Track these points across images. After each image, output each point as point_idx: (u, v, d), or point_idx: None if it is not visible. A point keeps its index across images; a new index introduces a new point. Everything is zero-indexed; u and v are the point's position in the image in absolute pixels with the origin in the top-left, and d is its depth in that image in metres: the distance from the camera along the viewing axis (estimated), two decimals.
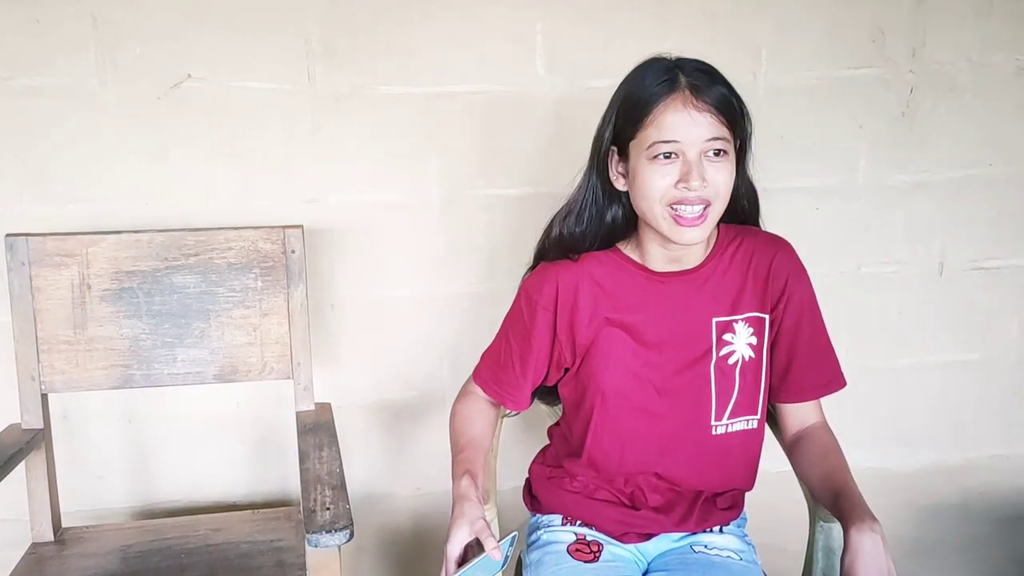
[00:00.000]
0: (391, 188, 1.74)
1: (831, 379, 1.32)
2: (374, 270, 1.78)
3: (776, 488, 1.48)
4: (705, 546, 1.34)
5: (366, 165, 1.72)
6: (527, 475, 1.47)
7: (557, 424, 1.45)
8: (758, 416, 1.31)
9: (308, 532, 1.17)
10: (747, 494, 1.41)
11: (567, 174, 1.72)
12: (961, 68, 1.80)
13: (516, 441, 1.75)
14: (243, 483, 1.84)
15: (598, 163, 1.25)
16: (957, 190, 1.88)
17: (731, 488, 1.37)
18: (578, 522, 1.36)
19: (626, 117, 1.19)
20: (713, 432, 1.29)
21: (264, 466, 1.85)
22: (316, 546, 1.16)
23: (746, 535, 1.40)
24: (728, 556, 1.32)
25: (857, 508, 1.17)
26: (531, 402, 1.38)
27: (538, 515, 1.42)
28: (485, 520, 1.17)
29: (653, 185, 1.16)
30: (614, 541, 1.34)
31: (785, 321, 1.29)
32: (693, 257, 1.27)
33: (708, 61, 1.18)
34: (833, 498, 1.22)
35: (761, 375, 1.29)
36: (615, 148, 1.23)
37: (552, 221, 1.32)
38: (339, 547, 1.21)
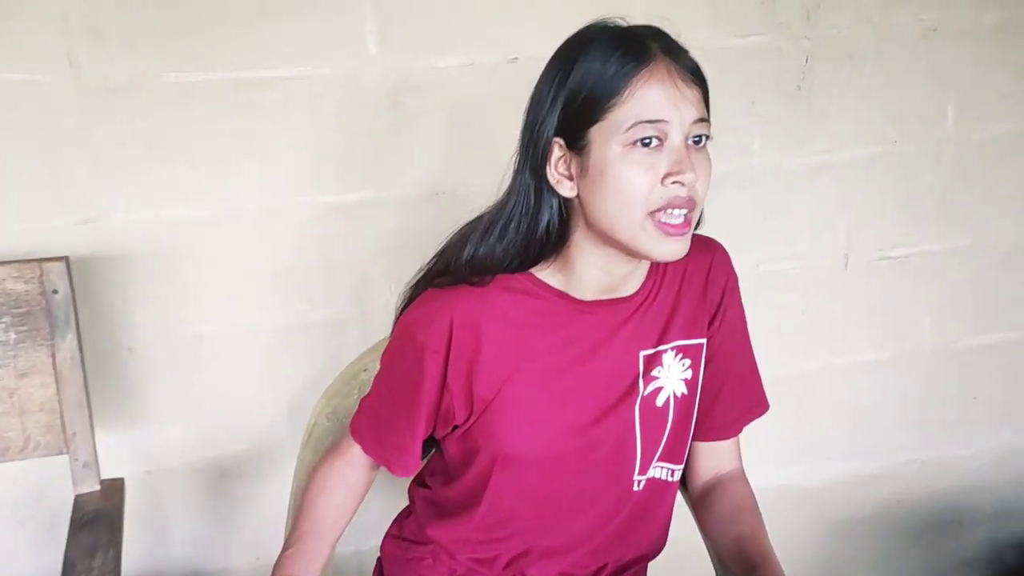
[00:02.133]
0: (194, 200, 1.40)
1: (755, 402, 1.13)
2: (181, 303, 1.45)
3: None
4: None
5: (158, 173, 1.37)
6: (379, 552, 1.18)
7: (423, 484, 1.15)
8: (681, 466, 1.08)
9: None
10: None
11: (412, 174, 1.47)
12: (861, 32, 1.58)
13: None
14: None
15: (534, 159, 0.93)
16: (861, 172, 1.67)
17: (637, 558, 1.11)
18: None
19: (585, 99, 0.90)
20: (635, 488, 1.05)
21: (57, 552, 1.48)
22: None
23: None
24: None
25: None
26: (420, 464, 1.08)
27: None
28: None
29: (633, 182, 0.88)
30: None
31: (717, 343, 1.06)
32: (632, 282, 1.00)
33: None
34: (747, 572, 1.02)
35: (693, 415, 1.07)
36: (560, 140, 0.92)
37: (466, 238, 0.98)
38: None
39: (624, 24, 0.93)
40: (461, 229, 1.00)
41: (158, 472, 1.51)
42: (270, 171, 1.41)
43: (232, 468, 1.55)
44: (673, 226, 0.89)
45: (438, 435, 1.06)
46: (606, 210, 0.91)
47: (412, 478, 1.15)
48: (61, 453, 1.25)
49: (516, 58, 1.44)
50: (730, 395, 1.09)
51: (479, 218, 0.98)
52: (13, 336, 1.21)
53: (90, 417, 1.25)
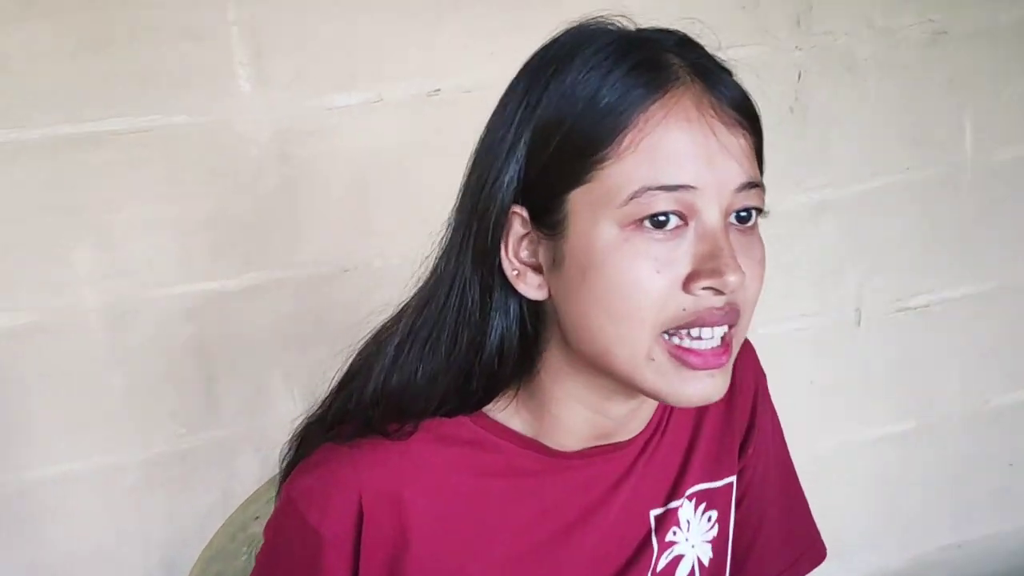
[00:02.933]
0: (16, 303, 1.10)
1: (808, 547, 0.82)
2: (9, 441, 1.13)
3: None
4: None
5: None
6: None
7: None
8: None
9: None
10: None
11: (311, 247, 1.15)
12: (861, 38, 1.37)
13: None
14: None
15: (480, 238, 0.61)
16: (869, 208, 1.47)
17: None
18: None
19: (561, 140, 0.59)
20: None
21: None
22: None
23: None
24: None
25: None
26: None
27: None
28: None
29: (639, 286, 0.57)
30: None
31: (750, 475, 0.77)
32: (636, 421, 0.69)
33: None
34: None
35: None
36: (524, 211, 0.61)
37: (377, 359, 0.65)
38: None
39: (631, 26, 0.62)
40: (375, 335, 0.67)
41: None
42: (115, 257, 1.12)
43: None
44: (701, 355, 0.58)
45: None
46: (594, 325, 0.59)
47: None
48: None
49: (438, 89, 1.18)
50: (771, 541, 0.80)
51: (392, 324, 0.65)
52: None
53: None
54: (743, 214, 0.59)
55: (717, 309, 0.57)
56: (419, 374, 0.62)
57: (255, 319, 1.17)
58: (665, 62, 0.58)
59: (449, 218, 0.63)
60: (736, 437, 0.75)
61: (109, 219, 1.10)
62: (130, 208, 1.10)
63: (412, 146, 1.17)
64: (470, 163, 0.63)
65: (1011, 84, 1.47)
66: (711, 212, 0.56)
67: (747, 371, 0.76)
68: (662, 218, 0.56)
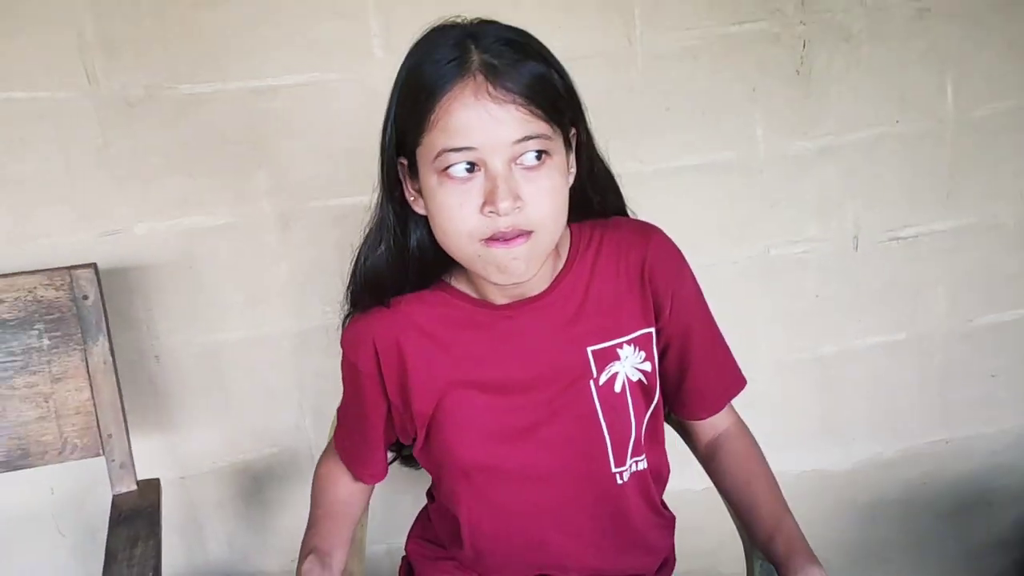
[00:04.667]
0: (212, 209, 1.45)
1: (731, 382, 1.08)
2: (204, 311, 1.49)
3: (702, 505, 1.24)
4: None
5: (177, 184, 1.42)
6: (403, 552, 1.19)
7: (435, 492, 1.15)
8: (643, 456, 1.03)
9: None
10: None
11: None
12: (855, 15, 1.60)
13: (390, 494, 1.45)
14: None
15: (386, 180, 0.93)
16: (865, 154, 1.68)
17: (638, 549, 1.08)
18: None
19: (408, 114, 0.86)
20: (619, 481, 1.00)
21: (97, 562, 1.51)
22: None
23: None
24: None
25: (796, 553, 0.95)
26: (387, 471, 1.09)
27: None
28: None
29: (452, 216, 0.85)
30: None
31: (673, 327, 1.01)
32: (539, 280, 0.95)
33: (519, 27, 0.88)
34: (766, 537, 0.99)
35: (653, 403, 1.02)
36: (404, 161, 0.90)
37: (355, 258, 0.99)
38: None
39: (466, 24, 0.87)
40: (356, 251, 1.00)
41: (191, 477, 1.54)
42: (284, 177, 1.45)
43: (263, 472, 1.57)
44: (506, 245, 0.85)
45: (407, 445, 1.08)
46: (441, 237, 0.89)
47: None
48: (97, 455, 1.28)
49: None
50: (698, 377, 1.04)
51: (362, 240, 0.99)
52: (47, 342, 1.25)
53: (124, 419, 1.28)
54: (529, 156, 0.84)
55: (502, 229, 0.83)
56: (378, 270, 0.95)
57: None
58: (461, 57, 0.82)
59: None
60: (649, 302, 0.98)
61: (280, 149, 1.43)
62: (295, 142, 1.43)
63: None
64: (381, 131, 0.90)
65: (987, 53, 1.65)
66: (495, 162, 0.82)
67: (659, 257, 0.99)
68: (455, 169, 0.83)
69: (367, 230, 0.97)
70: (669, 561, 1.13)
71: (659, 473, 1.06)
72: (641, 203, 1.56)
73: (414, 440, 1.03)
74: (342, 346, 1.01)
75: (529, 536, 1.02)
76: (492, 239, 0.85)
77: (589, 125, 0.95)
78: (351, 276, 0.99)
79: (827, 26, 1.60)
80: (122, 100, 1.36)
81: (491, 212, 0.83)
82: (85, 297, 1.25)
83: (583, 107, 0.93)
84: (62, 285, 1.24)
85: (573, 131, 0.92)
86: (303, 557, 0.99)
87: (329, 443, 1.15)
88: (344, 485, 1.09)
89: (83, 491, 1.47)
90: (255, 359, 1.51)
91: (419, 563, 1.15)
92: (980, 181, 1.74)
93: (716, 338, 1.07)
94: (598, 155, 0.99)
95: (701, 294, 1.05)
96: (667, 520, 1.11)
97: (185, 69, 1.37)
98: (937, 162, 1.72)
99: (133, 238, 1.42)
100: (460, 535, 1.04)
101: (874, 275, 1.75)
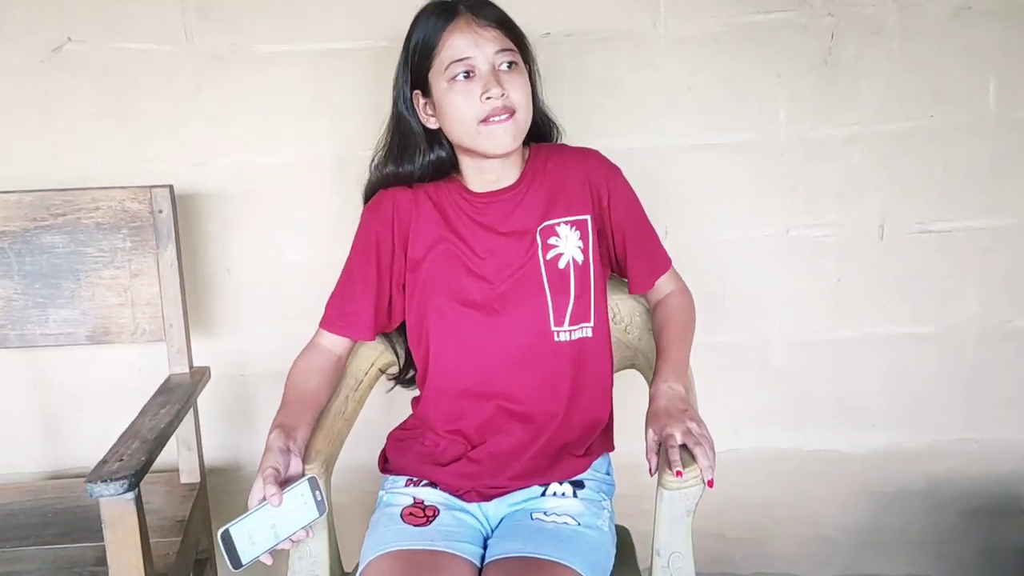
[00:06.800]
0: (280, 150, 1.71)
1: (659, 264, 1.40)
2: (269, 235, 1.76)
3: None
4: (544, 512, 1.26)
5: (253, 126, 1.69)
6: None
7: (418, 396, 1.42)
8: (591, 323, 1.32)
9: (86, 480, 1.14)
10: (619, 443, 1.40)
11: None
12: (887, 9, 1.65)
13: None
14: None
15: (400, 107, 1.31)
16: (896, 144, 1.72)
17: (585, 418, 1.33)
18: (423, 482, 1.32)
19: (419, 56, 1.26)
20: (556, 339, 1.30)
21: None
22: (92, 495, 1.13)
23: (603, 489, 1.34)
24: (564, 522, 1.24)
25: (666, 366, 1.28)
26: (375, 332, 1.36)
27: (386, 476, 1.38)
28: (275, 468, 1.13)
29: (460, 106, 1.23)
30: (456, 502, 1.29)
31: (613, 217, 1.34)
32: (508, 176, 1.32)
33: None
34: (657, 363, 1.31)
35: (590, 278, 1.31)
36: (418, 92, 1.29)
37: (371, 171, 1.39)
38: (135, 501, 1.18)
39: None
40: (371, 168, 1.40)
41: (250, 377, 1.83)
42: (341, 127, 1.69)
43: None
44: (499, 122, 1.22)
45: (397, 317, 1.36)
46: (453, 129, 1.27)
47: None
48: (160, 340, 1.58)
49: (548, 33, 1.65)
50: (635, 256, 1.37)
51: (375, 157, 1.38)
52: (129, 244, 1.56)
53: (184, 313, 1.58)
54: (507, 64, 1.22)
55: (497, 107, 1.21)
56: (395, 170, 1.35)
57: None
58: (453, 9, 1.23)
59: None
60: (588, 195, 1.33)
61: (339, 102, 1.66)
62: (350, 97, 1.66)
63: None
64: (393, 82, 1.31)
65: None
66: (483, 67, 1.22)
67: (596, 165, 1.35)
68: (458, 75, 1.22)
69: (378, 151, 1.36)
70: (595, 448, 1.35)
71: (595, 349, 1.33)
72: (659, 175, 1.72)
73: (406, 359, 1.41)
74: (363, 213, 1.37)
75: (483, 369, 1.30)
76: (488, 118, 1.22)
77: (537, 73, 1.34)
78: (368, 185, 1.38)
79: (856, 19, 1.65)
80: (212, 55, 1.65)
81: (487, 98, 1.21)
82: (160, 211, 1.55)
83: (533, 55, 1.32)
84: (143, 200, 1.55)
85: (528, 68, 1.29)
86: (271, 430, 1.23)
87: (309, 342, 1.39)
88: (315, 378, 1.33)
89: (158, 373, 1.79)
90: (309, 280, 1.74)
91: (391, 444, 1.40)
92: (1022, 181, 1.74)
93: (646, 231, 1.39)
94: (542, 99, 1.37)
95: (635, 197, 1.38)
96: (602, 388, 1.36)
97: (263, 32, 1.65)
98: (974, 159, 1.73)
99: (216, 169, 1.71)
100: (426, 376, 1.33)
101: (900, 266, 1.79)
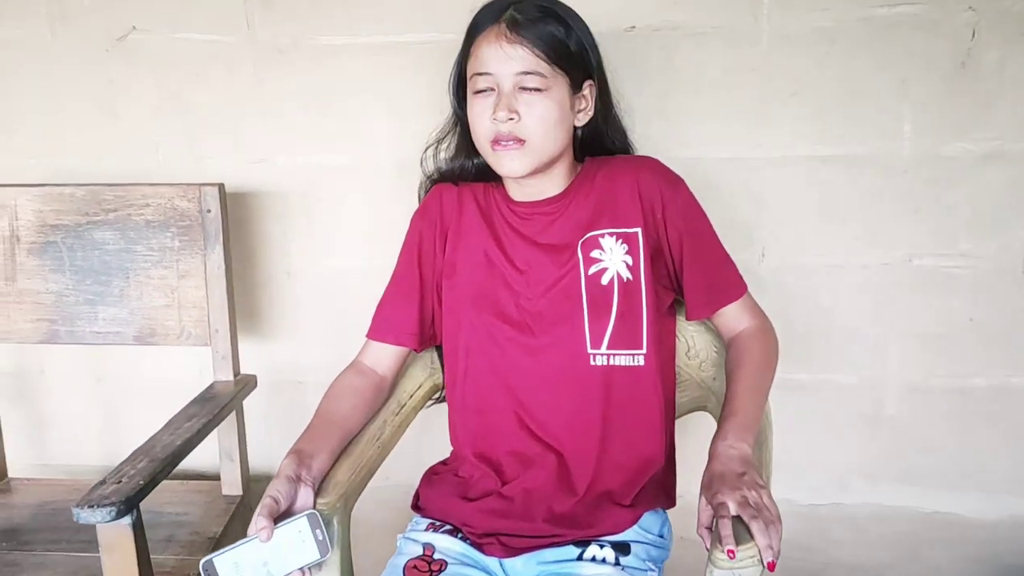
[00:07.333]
0: (339, 150, 1.62)
1: (725, 288, 1.22)
2: (327, 239, 1.67)
3: None
4: None
5: (311, 123, 1.60)
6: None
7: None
8: (643, 351, 1.17)
9: (75, 504, 1.06)
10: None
11: None
12: None
13: None
14: (209, 453, 1.78)
15: (453, 100, 1.24)
16: None
17: (630, 460, 1.17)
18: (444, 528, 1.20)
19: (464, 52, 1.19)
20: (592, 362, 1.16)
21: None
22: (78, 520, 1.05)
23: (653, 555, 1.17)
24: None
25: (728, 421, 1.08)
26: (421, 342, 1.26)
27: (415, 515, 1.26)
28: (275, 499, 1.04)
29: (475, 120, 1.15)
30: (472, 556, 1.16)
31: (669, 232, 1.19)
32: (551, 188, 1.21)
33: None
34: (723, 415, 1.12)
35: (642, 298, 1.17)
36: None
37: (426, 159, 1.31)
38: (133, 526, 1.10)
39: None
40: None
41: (308, 384, 1.75)
42: (401, 127, 1.57)
43: None
44: (504, 149, 1.13)
45: (439, 324, 1.26)
46: (473, 138, 1.19)
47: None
48: (205, 345, 1.51)
49: (633, 26, 1.48)
50: (692, 277, 1.20)
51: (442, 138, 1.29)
52: (177, 244, 1.49)
53: (231, 319, 1.50)
54: (527, 86, 1.10)
55: (502, 132, 1.11)
56: (448, 166, 1.27)
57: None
58: (501, 12, 1.12)
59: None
60: (639, 207, 1.18)
61: (400, 100, 1.56)
62: (411, 95, 1.55)
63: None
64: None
65: None
66: (505, 84, 1.12)
67: (651, 174, 1.20)
68: (479, 88, 1.13)
69: (447, 144, 1.27)
70: (645, 498, 1.19)
71: (642, 380, 1.18)
72: (756, 189, 1.52)
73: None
74: (412, 216, 1.30)
75: (513, 389, 1.19)
76: (495, 141, 1.13)
77: (608, 81, 1.21)
78: (436, 172, 1.30)
79: (1003, 16, 1.42)
80: (273, 47, 1.57)
81: (494, 120, 1.11)
82: (208, 211, 1.47)
83: (597, 66, 1.18)
84: (193, 198, 1.48)
85: (590, 82, 1.17)
86: (285, 456, 1.12)
87: (348, 365, 1.27)
88: (348, 401, 1.23)
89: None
90: (368, 287, 1.63)
91: (425, 479, 1.28)
92: None
93: (711, 248, 1.22)
94: (612, 104, 1.24)
95: (699, 211, 1.21)
96: (652, 426, 1.19)
97: (324, 23, 1.55)
98: None
99: (274, 167, 1.63)
100: (454, 393, 1.23)
101: None
